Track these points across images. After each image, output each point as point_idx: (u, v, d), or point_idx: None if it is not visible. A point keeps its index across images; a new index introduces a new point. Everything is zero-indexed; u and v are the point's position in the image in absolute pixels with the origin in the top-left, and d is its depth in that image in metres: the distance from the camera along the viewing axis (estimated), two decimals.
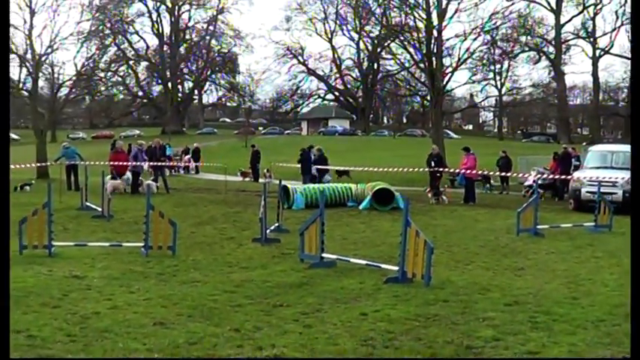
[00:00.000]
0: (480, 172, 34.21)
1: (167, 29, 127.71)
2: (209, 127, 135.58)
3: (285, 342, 8.84)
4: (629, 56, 73.14)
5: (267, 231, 18.17)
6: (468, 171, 31.22)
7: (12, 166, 34.46)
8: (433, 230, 20.09)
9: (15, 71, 50.44)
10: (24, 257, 15.01)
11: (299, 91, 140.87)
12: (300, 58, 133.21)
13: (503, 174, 36.22)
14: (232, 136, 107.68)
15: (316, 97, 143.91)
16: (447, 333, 9.36)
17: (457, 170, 32.47)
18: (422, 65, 55.38)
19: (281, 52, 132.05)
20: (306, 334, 9.30)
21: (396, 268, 12.94)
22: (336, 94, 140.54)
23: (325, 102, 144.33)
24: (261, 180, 41.78)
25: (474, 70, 65.39)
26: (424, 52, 52.58)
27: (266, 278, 13.12)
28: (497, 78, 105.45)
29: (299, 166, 37.23)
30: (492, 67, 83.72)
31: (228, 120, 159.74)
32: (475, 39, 54.76)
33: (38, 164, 42.15)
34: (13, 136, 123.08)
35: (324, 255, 14.42)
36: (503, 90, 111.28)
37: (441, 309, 10.70)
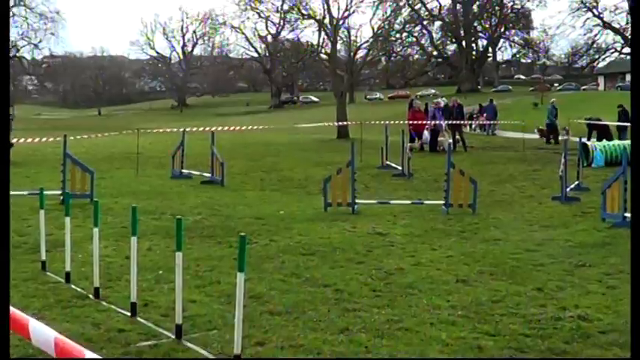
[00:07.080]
0: None
1: None
2: (504, 85, 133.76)
3: (589, 303, 8.76)
4: None
5: (567, 189, 17.88)
6: None
7: (313, 125, 35.88)
8: None
9: (314, 36, 52.68)
10: (328, 214, 15.75)
11: (594, 46, 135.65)
12: (594, 11, 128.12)
13: None
14: (527, 93, 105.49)
15: (612, 50, 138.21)
16: None
17: None
18: None
19: (575, 6, 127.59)
20: (609, 294, 9.16)
21: None
22: None
23: (622, 56, 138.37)
24: (559, 137, 40.84)
25: None
26: None
27: (567, 237, 12.98)
28: None
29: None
30: None
31: (522, 77, 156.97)
32: None
33: (338, 123, 43.52)
34: (312, 98, 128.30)
35: (626, 214, 14.02)
36: None
37: None
